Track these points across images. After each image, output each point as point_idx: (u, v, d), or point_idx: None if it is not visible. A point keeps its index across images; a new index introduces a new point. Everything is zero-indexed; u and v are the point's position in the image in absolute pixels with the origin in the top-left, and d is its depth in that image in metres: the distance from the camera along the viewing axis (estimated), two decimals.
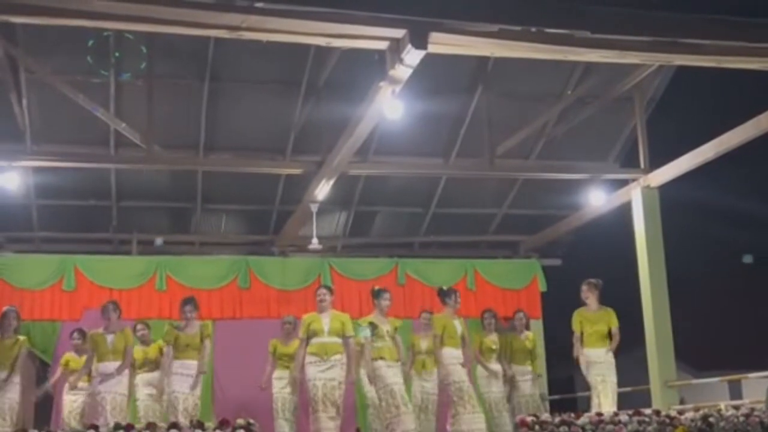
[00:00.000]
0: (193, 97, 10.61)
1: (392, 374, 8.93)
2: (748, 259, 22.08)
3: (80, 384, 9.86)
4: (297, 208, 11.53)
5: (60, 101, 9.81)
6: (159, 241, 12.26)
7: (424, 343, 10.04)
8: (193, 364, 9.09)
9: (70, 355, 10.21)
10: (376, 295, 9.15)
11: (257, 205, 12.68)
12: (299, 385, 9.45)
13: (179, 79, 10.49)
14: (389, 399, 8.83)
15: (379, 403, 9.02)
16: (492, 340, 10.09)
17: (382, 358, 8.93)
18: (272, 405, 9.96)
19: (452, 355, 9.25)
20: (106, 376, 8.74)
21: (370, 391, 9.38)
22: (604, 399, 8.94)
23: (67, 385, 9.86)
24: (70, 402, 10.00)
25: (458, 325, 9.35)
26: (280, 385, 9.98)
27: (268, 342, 10.15)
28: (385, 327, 9.04)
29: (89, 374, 9.85)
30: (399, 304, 9.97)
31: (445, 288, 9.72)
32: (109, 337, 9.03)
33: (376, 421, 9.49)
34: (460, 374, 9.18)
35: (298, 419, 10.10)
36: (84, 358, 9.58)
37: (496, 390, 9.96)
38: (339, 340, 8.71)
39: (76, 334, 10.18)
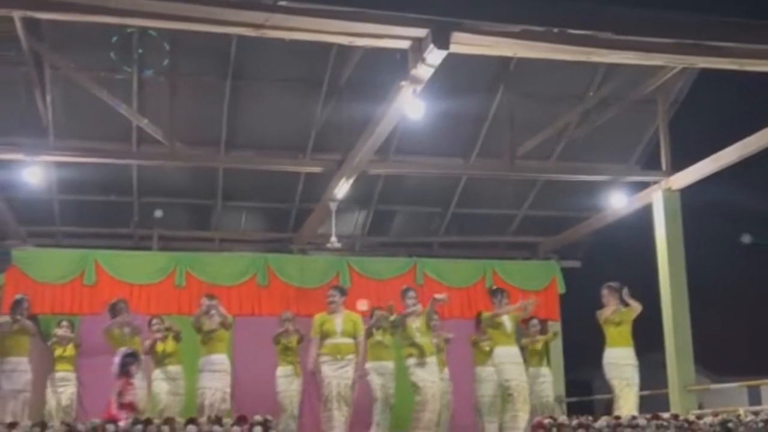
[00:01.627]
0: (215, 95, 10.65)
1: (420, 371, 8.98)
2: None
3: (65, 373, 9.96)
4: (316, 207, 11.56)
5: (83, 97, 9.87)
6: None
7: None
8: (219, 358, 9.21)
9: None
10: (402, 293, 9.36)
11: (277, 202, 12.73)
12: (308, 382, 9.56)
13: (202, 76, 10.53)
14: (416, 396, 8.90)
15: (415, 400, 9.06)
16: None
17: (411, 355, 9.00)
18: (279, 400, 10.04)
19: (501, 353, 9.24)
20: None
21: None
22: (625, 403, 8.90)
23: (49, 379, 9.93)
24: (57, 394, 9.99)
25: (508, 323, 9.34)
26: (286, 380, 10.11)
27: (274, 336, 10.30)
28: (415, 324, 9.10)
29: (75, 363, 10.04)
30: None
31: (494, 287, 9.96)
32: (126, 331, 9.14)
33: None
34: (509, 373, 9.17)
35: (302, 414, 10.32)
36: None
37: (486, 392, 10.12)
38: (351, 341, 8.85)
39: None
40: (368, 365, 9.45)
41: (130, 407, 7.93)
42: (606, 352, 9.18)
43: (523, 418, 9.04)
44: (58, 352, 10.11)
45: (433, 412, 8.93)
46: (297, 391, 10.20)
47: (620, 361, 9.09)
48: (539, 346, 10.72)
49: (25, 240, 11.90)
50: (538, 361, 10.64)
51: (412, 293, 9.38)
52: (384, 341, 9.80)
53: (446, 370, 10.30)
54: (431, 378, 9.01)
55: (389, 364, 9.92)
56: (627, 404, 8.91)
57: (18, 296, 9.55)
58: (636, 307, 9.08)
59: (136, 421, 7.03)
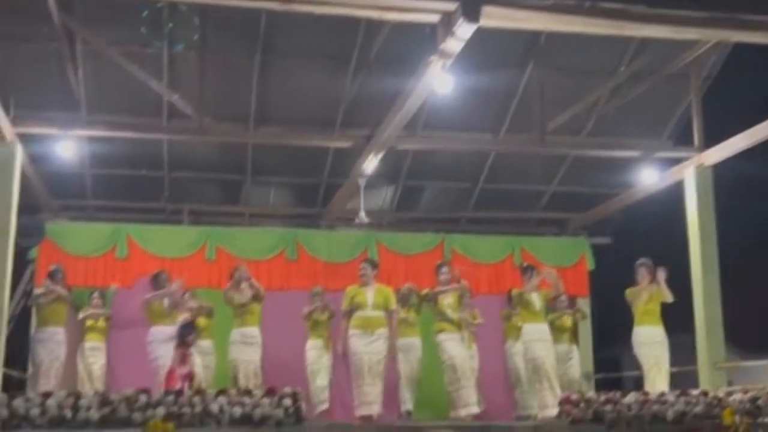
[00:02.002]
0: (245, 70, 10.67)
1: (453, 347, 9.03)
2: None
3: (97, 343, 10.10)
4: (345, 182, 11.58)
5: (114, 72, 9.95)
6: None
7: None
8: (252, 330, 9.30)
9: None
10: (436, 269, 9.46)
11: (306, 178, 12.76)
12: (339, 356, 9.63)
13: (231, 51, 10.54)
14: (450, 373, 8.94)
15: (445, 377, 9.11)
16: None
17: (442, 330, 9.04)
18: (308, 374, 10.15)
19: (530, 330, 9.24)
20: (160, 341, 8.94)
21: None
22: (655, 382, 8.88)
23: (79, 350, 10.07)
24: (87, 365, 10.14)
25: (537, 300, 9.32)
26: (315, 353, 10.19)
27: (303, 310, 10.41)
28: (447, 300, 9.13)
29: (106, 333, 10.18)
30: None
31: (524, 265, 10.03)
32: (165, 302, 9.27)
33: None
34: (537, 351, 9.17)
35: (332, 385, 10.39)
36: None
37: (518, 365, 10.22)
38: (382, 314, 8.86)
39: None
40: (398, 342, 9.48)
41: (189, 377, 8.03)
42: (635, 330, 9.17)
43: (551, 394, 9.03)
44: (89, 323, 10.28)
45: (470, 388, 8.98)
46: (326, 364, 10.29)
47: (649, 339, 9.07)
48: (568, 323, 10.71)
49: (58, 213, 12.05)
50: (567, 338, 10.65)
51: (445, 269, 9.45)
52: (409, 318, 9.86)
53: (474, 346, 10.35)
54: (463, 353, 9.06)
55: (415, 341, 9.98)
56: (657, 383, 8.90)
57: (53, 266, 9.74)
58: (667, 294, 9.03)
59: (167, 392, 7.13)
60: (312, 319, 10.41)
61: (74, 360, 10.34)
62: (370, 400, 8.65)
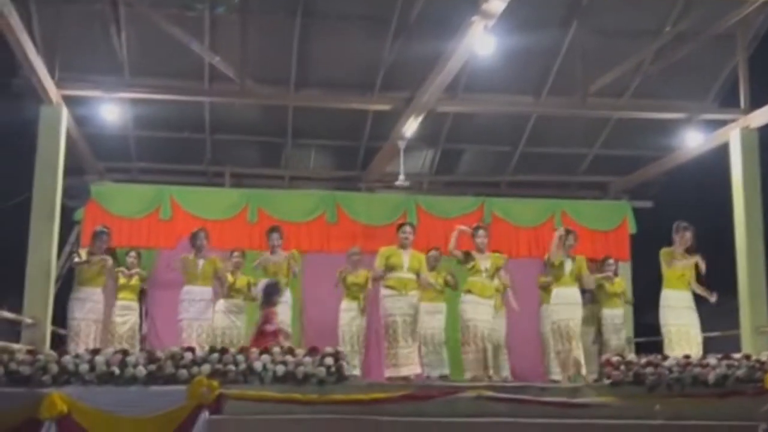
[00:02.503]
0: (285, 33, 10.68)
1: (477, 311, 9.03)
2: None
3: (128, 302, 10.20)
4: (384, 145, 11.60)
5: (157, 34, 10.03)
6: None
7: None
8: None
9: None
10: (473, 232, 9.40)
11: (346, 141, 12.79)
12: (374, 320, 9.69)
13: (272, 14, 10.56)
14: (468, 335, 8.95)
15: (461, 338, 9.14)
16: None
17: (470, 291, 9.05)
18: (340, 334, 10.11)
19: (559, 294, 9.22)
20: (191, 300, 9.09)
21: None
22: (676, 346, 8.72)
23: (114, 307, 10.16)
24: (121, 324, 10.18)
25: (567, 265, 9.27)
26: (349, 315, 10.17)
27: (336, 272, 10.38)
28: (484, 264, 9.13)
29: (138, 293, 10.31)
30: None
31: (564, 228, 9.80)
32: (200, 262, 9.38)
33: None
34: (562, 313, 9.13)
35: (365, 348, 10.42)
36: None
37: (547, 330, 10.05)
38: (415, 277, 8.89)
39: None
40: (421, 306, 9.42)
41: (275, 335, 8.16)
42: (663, 293, 9.03)
43: (578, 354, 8.95)
44: (122, 281, 10.33)
45: (478, 352, 8.95)
46: (360, 326, 10.18)
47: (678, 303, 8.94)
48: (617, 288, 10.62)
49: (102, 175, 12.25)
50: (613, 303, 10.59)
51: (482, 232, 9.42)
52: (435, 284, 9.84)
53: (502, 312, 10.33)
54: (480, 318, 9.03)
55: (440, 306, 10.02)
56: (678, 347, 8.73)
57: (98, 228, 9.87)
58: (700, 262, 8.91)
59: (212, 350, 7.26)
60: (348, 280, 10.38)
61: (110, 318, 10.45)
62: (406, 362, 8.68)
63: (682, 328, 8.83)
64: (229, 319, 9.95)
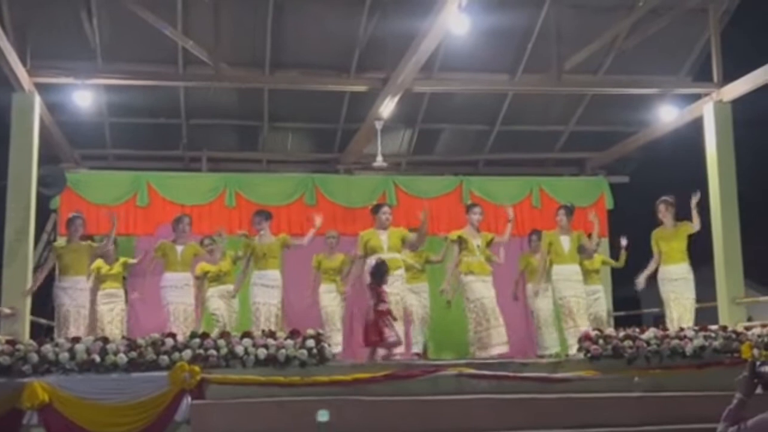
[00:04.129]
0: (259, 15, 10.61)
1: (482, 288, 9.10)
2: None
3: (113, 290, 10.14)
4: (362, 126, 11.58)
5: (129, 19, 9.94)
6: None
7: None
8: (271, 273, 9.42)
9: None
10: (467, 209, 9.54)
11: (323, 123, 12.76)
12: (354, 299, 9.74)
13: None
14: (480, 313, 9.02)
15: (470, 317, 9.20)
16: (537, 260, 10.22)
17: (471, 272, 9.12)
18: (320, 316, 10.25)
19: (559, 271, 9.33)
20: (173, 287, 9.08)
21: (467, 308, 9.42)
22: (676, 315, 8.93)
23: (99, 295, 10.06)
24: (108, 311, 10.09)
25: (565, 242, 9.36)
26: (328, 298, 10.28)
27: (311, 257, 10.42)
28: (476, 241, 9.22)
29: (122, 280, 10.27)
30: (463, 222, 10.02)
31: (568, 204, 9.89)
32: (179, 248, 9.36)
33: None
34: (564, 290, 9.24)
35: (347, 328, 10.53)
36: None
37: (541, 306, 10.13)
38: (398, 255, 8.94)
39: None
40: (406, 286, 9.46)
41: (388, 313, 8.24)
42: (660, 269, 9.20)
43: (575, 333, 9.03)
44: (104, 270, 10.23)
45: (500, 327, 9.04)
46: (340, 305, 10.38)
47: (674, 276, 9.10)
48: (596, 264, 10.69)
49: (78, 163, 12.14)
50: (593, 279, 10.68)
51: (477, 209, 9.52)
52: (417, 265, 9.90)
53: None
54: (491, 294, 9.13)
55: (424, 285, 10.07)
56: (678, 316, 8.95)
57: (71, 214, 9.79)
58: (696, 220, 9.08)
59: (193, 335, 7.27)
60: (322, 265, 10.45)
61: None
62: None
63: (680, 297, 9.09)
64: (225, 303, 10.05)
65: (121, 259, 10.41)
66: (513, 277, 10.84)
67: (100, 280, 10.05)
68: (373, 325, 8.13)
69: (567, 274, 9.31)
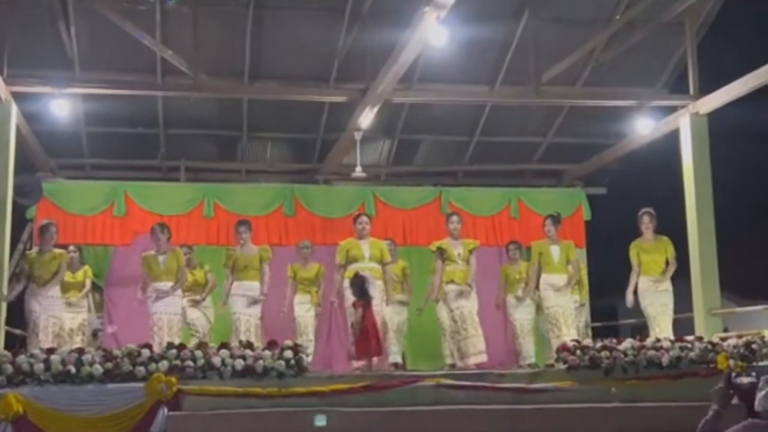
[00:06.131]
0: (238, 25, 10.62)
1: (461, 298, 9.09)
2: None
3: (74, 300, 10.01)
4: (341, 137, 11.59)
5: (107, 29, 9.91)
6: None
7: None
8: (251, 285, 9.36)
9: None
10: (446, 218, 9.53)
11: (302, 133, 12.76)
12: (332, 310, 9.67)
13: (224, 5, 10.48)
14: (459, 322, 9.02)
15: (449, 327, 9.19)
16: (517, 270, 10.28)
17: (452, 281, 9.12)
18: (295, 327, 10.16)
19: (545, 280, 9.34)
20: (160, 296, 9.01)
21: (441, 316, 9.41)
22: (660, 329, 8.96)
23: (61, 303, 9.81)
24: (70, 320, 9.92)
25: (555, 252, 9.39)
26: (303, 308, 10.23)
27: (287, 267, 10.35)
28: (457, 250, 9.23)
29: (84, 290, 10.20)
30: (442, 232, 10.04)
31: (555, 214, 9.84)
32: (161, 258, 9.30)
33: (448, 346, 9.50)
34: (550, 300, 9.26)
35: (319, 339, 10.49)
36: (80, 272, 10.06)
37: (520, 317, 10.13)
38: (378, 266, 8.93)
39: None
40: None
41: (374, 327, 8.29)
42: (639, 280, 9.24)
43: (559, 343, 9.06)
44: (67, 277, 9.99)
45: (478, 336, 9.04)
46: (312, 317, 10.27)
47: (653, 288, 9.14)
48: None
49: (55, 172, 12.05)
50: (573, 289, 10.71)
51: (455, 218, 9.52)
52: (395, 276, 9.89)
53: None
54: (470, 303, 9.13)
55: (402, 297, 10.07)
56: (660, 328, 8.98)
57: (44, 221, 9.67)
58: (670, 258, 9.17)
59: (170, 346, 7.23)
60: (297, 276, 10.38)
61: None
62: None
63: (658, 308, 9.12)
64: (202, 314, 10.03)
65: (86, 267, 10.33)
66: (492, 288, 10.87)
67: (62, 288, 9.94)
68: (364, 335, 8.11)
69: (554, 283, 9.31)
